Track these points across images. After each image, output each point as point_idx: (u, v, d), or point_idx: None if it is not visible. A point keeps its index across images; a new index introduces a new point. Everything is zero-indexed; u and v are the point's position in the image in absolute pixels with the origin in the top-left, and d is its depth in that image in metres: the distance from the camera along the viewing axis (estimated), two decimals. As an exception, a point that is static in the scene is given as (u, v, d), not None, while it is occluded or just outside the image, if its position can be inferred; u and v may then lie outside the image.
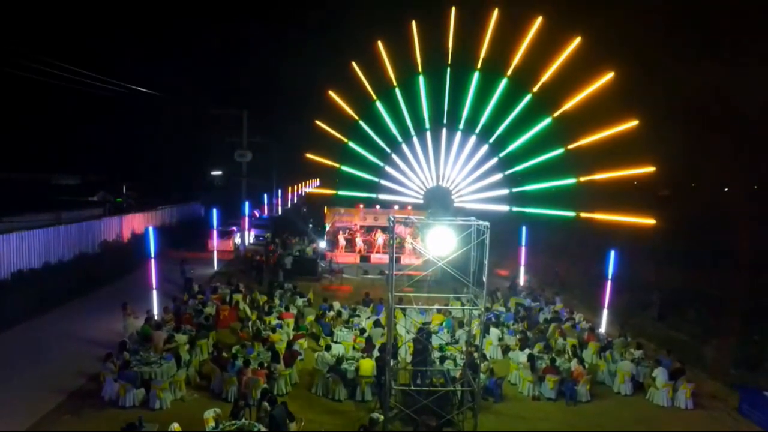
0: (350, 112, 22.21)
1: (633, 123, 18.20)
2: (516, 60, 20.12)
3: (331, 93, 22.02)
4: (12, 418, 11.33)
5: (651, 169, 18.08)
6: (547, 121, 19.35)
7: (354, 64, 22.18)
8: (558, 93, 19.76)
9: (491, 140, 20.68)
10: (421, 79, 21.08)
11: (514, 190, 20.87)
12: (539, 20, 19.36)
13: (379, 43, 22.27)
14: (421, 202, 16.39)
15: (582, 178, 19.12)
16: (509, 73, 20.46)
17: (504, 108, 20.50)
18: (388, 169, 23.21)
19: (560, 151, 19.65)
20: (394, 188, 23.12)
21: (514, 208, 20.99)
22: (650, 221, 17.64)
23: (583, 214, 18.96)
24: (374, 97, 21.89)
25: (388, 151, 21.94)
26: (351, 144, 22.12)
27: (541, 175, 20.76)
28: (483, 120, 20.76)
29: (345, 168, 22.08)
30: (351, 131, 23.05)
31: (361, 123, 22.16)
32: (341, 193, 26.61)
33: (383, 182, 23.09)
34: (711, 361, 15.54)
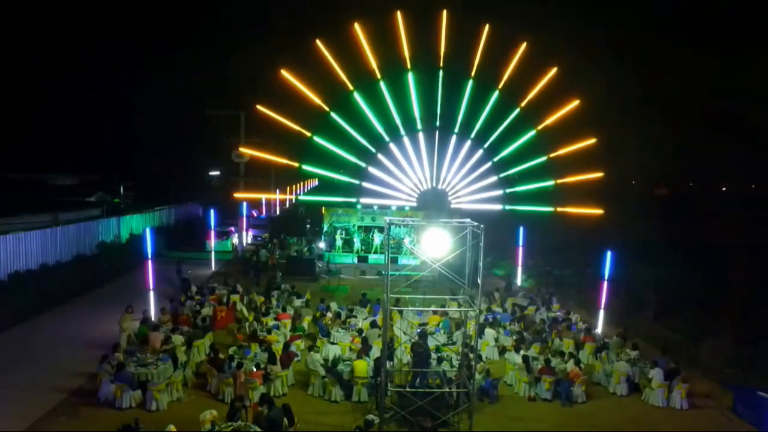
0: (313, 98, 18.52)
1: (592, 140, 20.56)
2: (506, 75, 21.20)
3: (284, 72, 17.99)
4: (9, 419, 11.35)
5: (600, 174, 20.44)
6: (532, 133, 20.84)
7: (319, 42, 18.47)
8: (542, 107, 21.43)
9: (485, 146, 20.81)
10: (410, 76, 19.48)
11: (508, 190, 21.64)
12: (524, 45, 20.65)
13: (357, 27, 18.78)
14: (415, 204, 15.94)
15: (558, 181, 21.09)
16: (500, 86, 21.17)
17: (495, 117, 21.16)
18: (372, 170, 20.41)
19: (543, 159, 21.10)
20: (382, 191, 20.38)
21: (507, 207, 21.80)
22: (599, 211, 19.99)
23: (558, 209, 20.72)
24: (350, 87, 18.87)
25: (373, 150, 19.09)
26: (317, 139, 18.76)
27: (529, 177, 22.01)
28: (477, 126, 20.90)
29: (306, 167, 18.91)
30: (322, 127, 19.52)
31: (333, 115, 18.99)
32: (304, 198, 23.66)
33: (367, 185, 20.31)
34: (706, 361, 15.60)
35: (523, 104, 21.13)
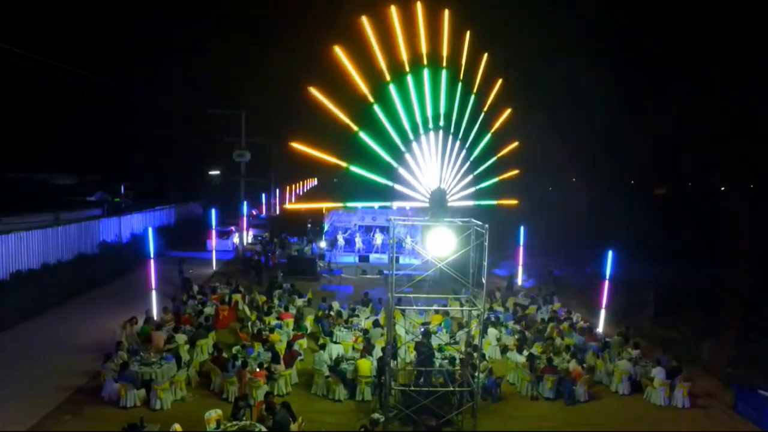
0: (362, 86, 16.36)
1: (515, 144, 21.78)
2: (477, 80, 21.98)
3: (338, 50, 15.69)
4: (13, 418, 11.36)
5: (516, 171, 21.46)
6: (488, 136, 21.84)
7: (365, 19, 16.30)
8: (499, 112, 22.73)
9: (467, 145, 21.24)
10: (425, 72, 18.51)
11: (477, 187, 22.44)
12: (486, 56, 21.54)
13: (393, 10, 16.93)
14: (427, 204, 15.56)
15: (498, 178, 22.40)
16: (475, 90, 21.80)
17: (471, 119, 21.92)
18: (400, 170, 18.79)
19: (494, 159, 22.11)
20: (406, 192, 18.83)
21: (476, 202, 22.62)
22: (514, 202, 21.14)
23: (498, 202, 21.90)
24: (388, 77, 16.79)
25: (402, 148, 17.16)
26: (362, 135, 16.70)
27: (491, 174, 22.95)
28: (463, 126, 21.41)
29: (354, 168, 16.81)
30: (360, 120, 17.38)
31: (376, 108, 16.78)
32: (351, 205, 21.52)
33: (397, 186, 18.65)
34: (707, 359, 15.65)
35: (485, 108, 21.97)
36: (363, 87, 16.22)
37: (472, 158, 22.28)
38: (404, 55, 17.38)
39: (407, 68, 17.49)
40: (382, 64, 16.85)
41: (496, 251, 27.96)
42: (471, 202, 21.94)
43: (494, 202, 22.23)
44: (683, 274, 24.58)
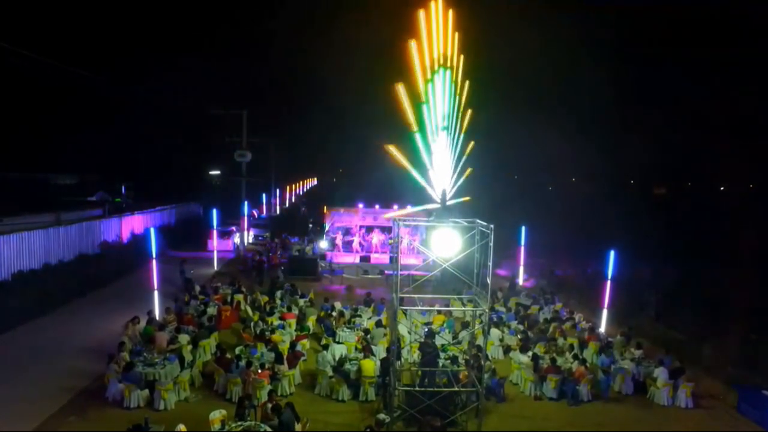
0: (420, 81, 15.48)
1: (472, 143, 21.86)
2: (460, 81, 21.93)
3: (413, 44, 14.65)
4: (17, 419, 11.35)
5: (470, 170, 21.65)
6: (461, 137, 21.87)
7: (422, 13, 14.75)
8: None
9: (453, 145, 21.37)
10: (442, 72, 18.17)
11: (456, 185, 22.35)
12: (461, 59, 21.51)
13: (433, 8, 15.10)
14: (440, 206, 15.39)
15: (463, 177, 22.36)
16: (458, 91, 21.76)
17: (458, 120, 22.14)
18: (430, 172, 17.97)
19: (464, 158, 22.15)
20: (431, 194, 18.45)
21: (455, 200, 22.59)
22: (466, 199, 21.27)
23: (464, 199, 21.74)
24: (429, 75, 15.86)
25: (433, 149, 16.27)
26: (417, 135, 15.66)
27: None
28: (455, 126, 21.50)
29: (414, 173, 16.47)
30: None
31: (423, 108, 15.81)
32: (409, 210, 20.76)
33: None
34: (709, 360, 15.68)
35: (461, 108, 22.08)
36: (421, 84, 15.47)
37: (456, 158, 22.38)
38: (436, 53, 16.88)
39: (436, 66, 17.00)
40: (427, 61, 16.04)
41: (498, 251, 28.09)
42: (455, 201, 22.24)
43: (461, 200, 22.83)
44: (684, 274, 24.60)
